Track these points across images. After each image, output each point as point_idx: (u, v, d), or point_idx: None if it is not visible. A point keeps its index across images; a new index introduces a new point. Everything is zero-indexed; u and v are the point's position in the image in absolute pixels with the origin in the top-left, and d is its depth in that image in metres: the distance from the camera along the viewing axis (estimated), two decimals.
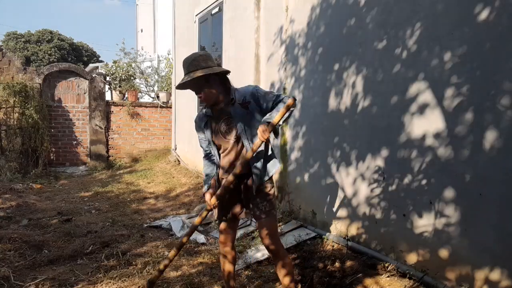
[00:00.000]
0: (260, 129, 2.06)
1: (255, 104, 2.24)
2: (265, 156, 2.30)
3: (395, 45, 2.88)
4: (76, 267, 3.20)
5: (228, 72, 2.28)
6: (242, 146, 2.28)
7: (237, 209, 2.39)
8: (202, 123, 2.38)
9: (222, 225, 2.43)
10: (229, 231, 2.44)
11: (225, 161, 2.34)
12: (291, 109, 2.09)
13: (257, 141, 2.10)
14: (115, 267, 3.17)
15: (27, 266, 3.18)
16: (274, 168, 2.34)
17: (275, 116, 2.07)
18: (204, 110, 2.38)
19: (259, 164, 2.27)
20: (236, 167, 2.19)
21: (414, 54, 2.74)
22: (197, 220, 2.37)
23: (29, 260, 3.29)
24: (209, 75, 2.16)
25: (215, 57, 6.58)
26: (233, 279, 2.52)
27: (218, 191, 2.25)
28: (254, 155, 2.18)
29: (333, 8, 3.59)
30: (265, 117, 2.14)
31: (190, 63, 2.19)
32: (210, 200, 2.28)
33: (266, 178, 2.29)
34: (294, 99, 2.07)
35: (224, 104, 2.28)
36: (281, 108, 2.08)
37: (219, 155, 2.39)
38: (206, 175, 2.45)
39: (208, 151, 2.46)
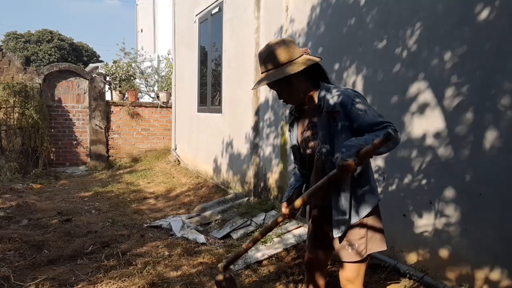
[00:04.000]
0: (341, 161, 1.55)
1: (345, 118, 1.70)
2: (354, 188, 1.75)
3: (395, 45, 2.88)
4: (76, 267, 3.20)
5: (313, 62, 1.75)
6: (325, 166, 1.78)
7: (327, 239, 1.93)
8: (290, 120, 1.99)
9: (309, 245, 2.03)
10: (316, 254, 2.00)
11: (312, 176, 1.90)
12: (391, 146, 1.58)
13: (333, 173, 1.62)
14: (115, 267, 3.17)
15: (27, 266, 3.17)
16: (367, 206, 1.76)
17: (365, 145, 1.53)
18: (292, 107, 1.97)
19: (343, 202, 1.74)
20: (303, 196, 1.77)
21: (414, 54, 2.74)
22: (271, 222, 2.00)
23: (29, 260, 3.29)
24: (288, 76, 1.72)
25: (215, 57, 6.58)
26: None
27: (297, 201, 1.83)
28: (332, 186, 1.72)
29: (333, 8, 3.59)
30: (349, 142, 1.59)
31: (264, 60, 1.77)
32: (286, 209, 1.91)
33: (354, 220, 1.75)
34: (394, 133, 1.53)
35: (311, 106, 1.83)
36: (376, 139, 1.49)
37: (305, 166, 1.94)
38: (289, 185, 2.05)
39: (294, 157, 2.03)
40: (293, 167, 2.07)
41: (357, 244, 1.76)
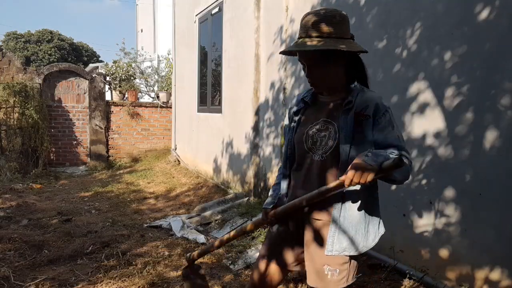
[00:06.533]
0: (362, 163, 1.25)
1: (371, 125, 1.45)
2: (367, 205, 1.49)
3: (395, 45, 2.88)
4: (76, 267, 3.20)
5: (366, 52, 1.49)
6: (327, 172, 1.48)
7: (291, 256, 1.62)
8: (295, 108, 1.64)
9: (262, 264, 1.66)
10: (268, 277, 1.64)
11: (295, 181, 1.59)
12: (398, 178, 1.36)
13: (338, 181, 1.33)
14: (115, 267, 3.17)
15: (27, 266, 3.17)
16: (372, 238, 1.53)
17: (386, 161, 1.27)
18: (305, 93, 1.64)
19: (351, 219, 1.46)
20: (304, 198, 1.44)
21: (414, 54, 2.74)
22: (248, 226, 1.80)
23: (29, 260, 3.29)
24: (337, 54, 1.43)
25: (215, 57, 6.58)
26: None
27: (279, 209, 1.58)
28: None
29: (333, 7, 3.59)
30: (376, 151, 1.36)
31: (322, 20, 1.44)
32: (268, 215, 1.62)
33: (350, 252, 1.47)
34: (405, 165, 1.31)
35: (335, 99, 1.53)
36: (391, 159, 1.26)
37: (290, 167, 1.62)
38: (274, 186, 1.74)
39: (285, 150, 1.67)
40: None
41: (339, 270, 1.47)
